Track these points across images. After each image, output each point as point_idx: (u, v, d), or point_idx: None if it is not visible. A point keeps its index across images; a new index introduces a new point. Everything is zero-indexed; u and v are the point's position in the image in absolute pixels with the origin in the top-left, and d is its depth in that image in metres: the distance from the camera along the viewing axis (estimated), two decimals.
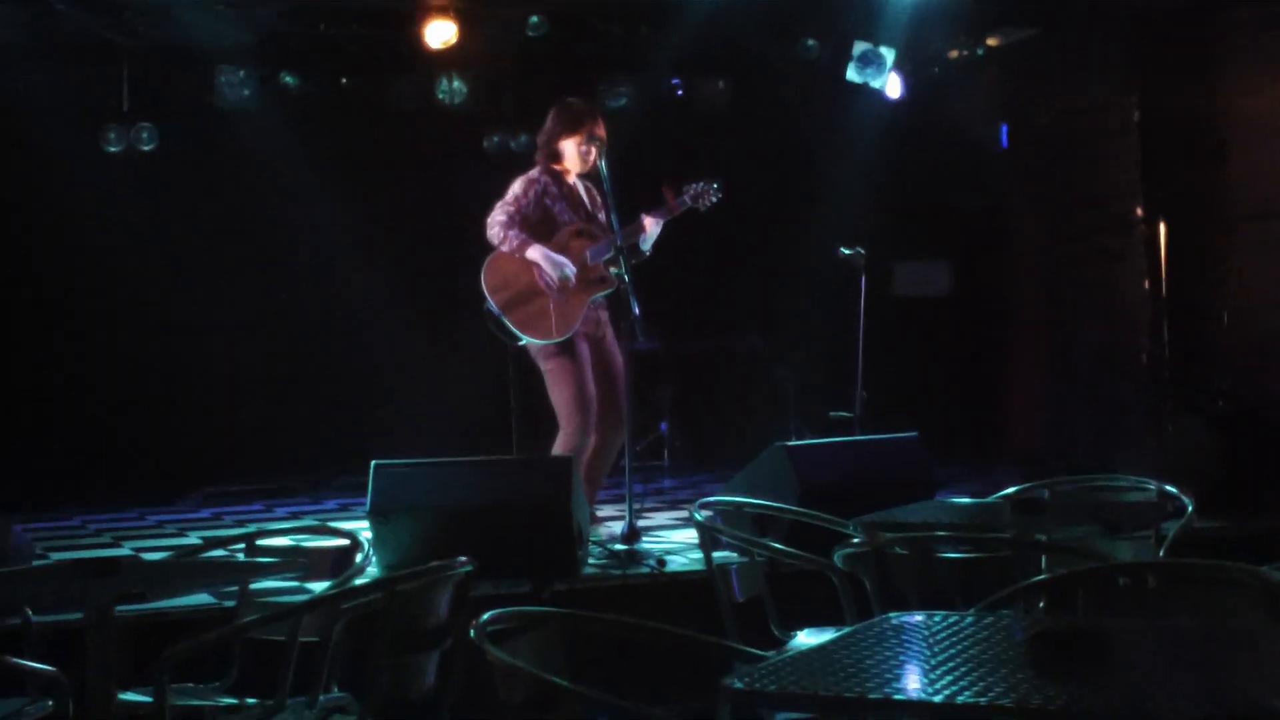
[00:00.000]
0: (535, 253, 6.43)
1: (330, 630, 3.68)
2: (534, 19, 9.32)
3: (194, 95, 9.52)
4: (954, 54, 10.31)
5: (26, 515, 7.42)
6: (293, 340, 10.08)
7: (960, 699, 2.26)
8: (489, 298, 6.46)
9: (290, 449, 9.76)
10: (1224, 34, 9.00)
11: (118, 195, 9.48)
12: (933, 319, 11.02)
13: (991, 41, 10.15)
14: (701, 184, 6.63)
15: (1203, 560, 3.40)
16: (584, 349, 6.52)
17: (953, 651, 2.53)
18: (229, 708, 3.95)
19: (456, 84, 9.82)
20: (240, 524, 7.95)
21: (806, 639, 4.30)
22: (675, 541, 6.66)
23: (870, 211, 10.09)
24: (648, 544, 6.36)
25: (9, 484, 8.08)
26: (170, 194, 9.69)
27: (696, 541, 5.81)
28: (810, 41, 9.93)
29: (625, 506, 6.29)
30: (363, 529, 5.25)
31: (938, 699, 2.27)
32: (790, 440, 6.78)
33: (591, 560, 5.98)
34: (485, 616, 2.84)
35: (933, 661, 2.49)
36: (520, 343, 6.50)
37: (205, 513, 8.63)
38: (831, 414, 8.55)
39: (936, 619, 2.78)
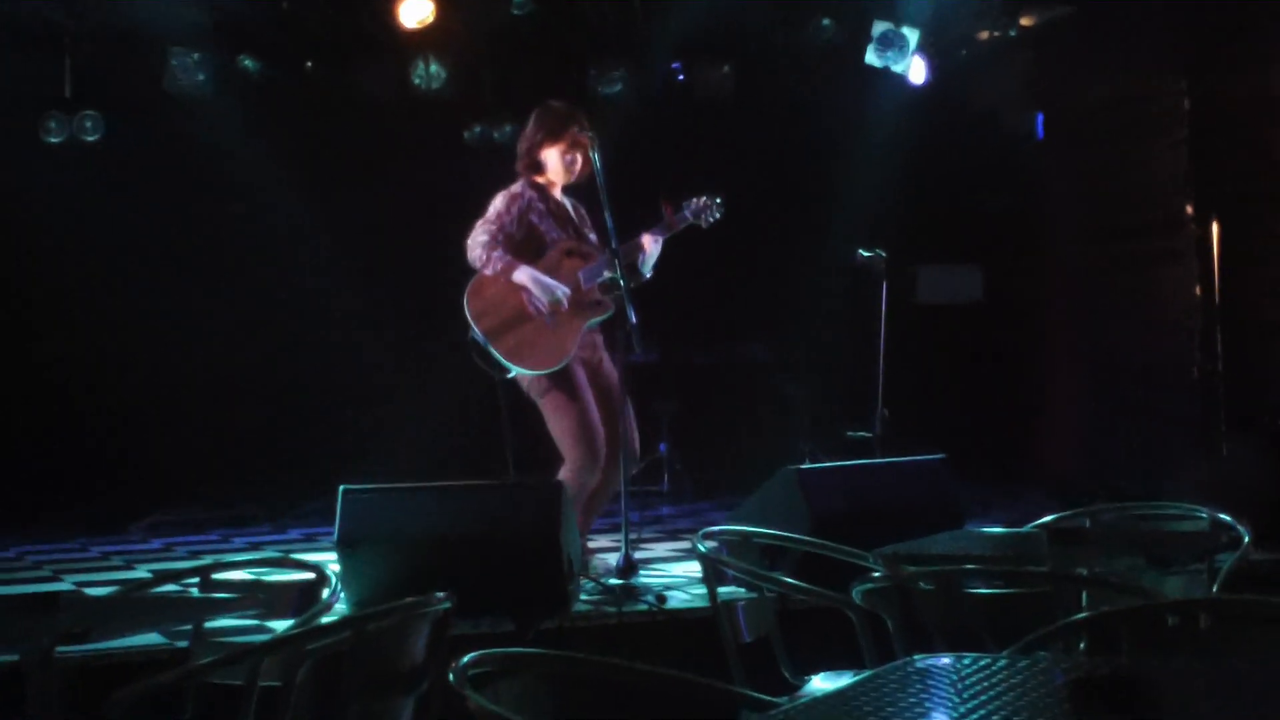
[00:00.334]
0: (523, 275, 6.41)
1: (294, 674, 3.67)
2: None
3: (144, 81, 9.53)
4: (984, 35, 10.34)
5: None
6: (253, 352, 10.09)
7: None
8: (473, 325, 6.42)
9: (250, 473, 9.77)
10: None
11: (59, 191, 9.50)
12: (960, 329, 11.03)
13: (1025, 21, 10.17)
14: (704, 198, 6.65)
15: (1261, 597, 3.39)
16: (581, 376, 6.49)
17: (984, 698, 2.53)
18: None
19: (434, 68, 9.83)
20: (194, 555, 7.94)
21: (822, 684, 4.29)
22: (676, 575, 6.66)
23: (891, 210, 10.11)
24: (645, 578, 6.36)
25: None
26: (117, 190, 9.70)
27: (699, 575, 5.83)
28: (825, 21, 9.96)
29: (620, 536, 6.29)
30: (330, 561, 5.24)
31: None
32: (802, 463, 6.79)
33: (583, 596, 5.97)
34: (465, 659, 2.83)
35: (962, 709, 2.49)
36: (509, 374, 6.48)
37: (155, 543, 8.62)
38: (848, 434, 8.57)
39: (966, 661, 2.78)
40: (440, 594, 3.55)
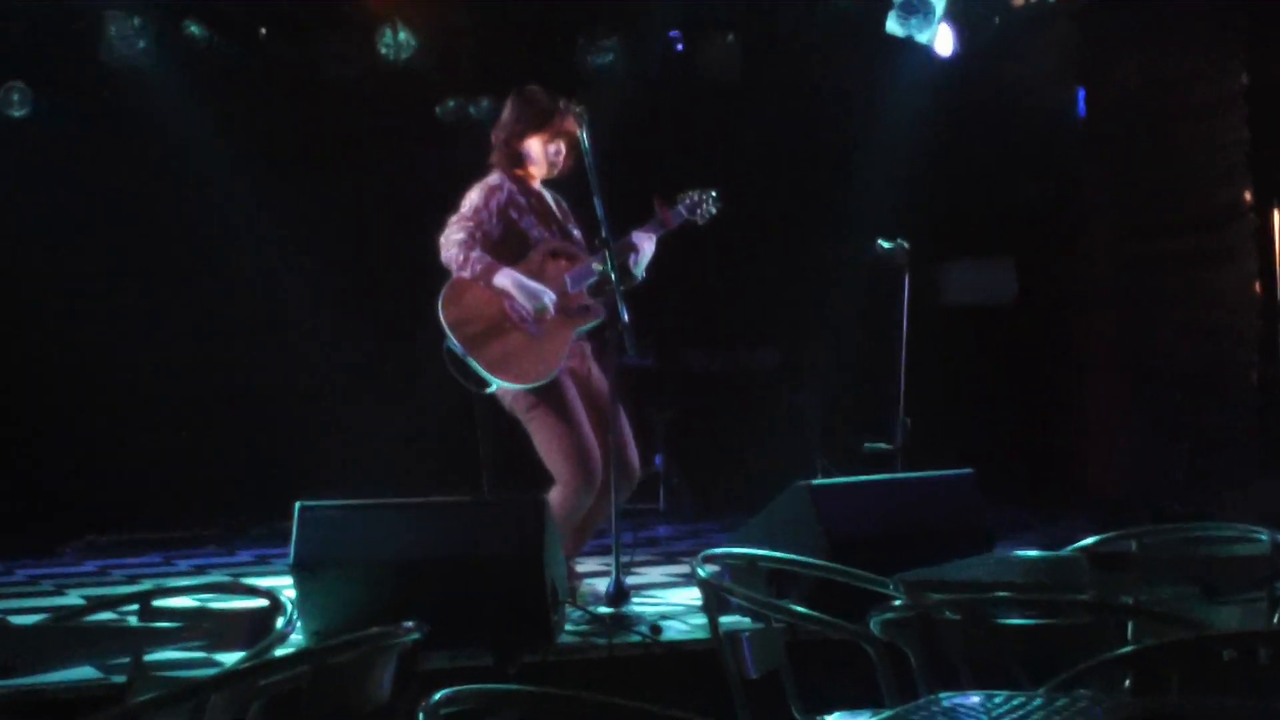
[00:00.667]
0: (505, 279, 6.40)
1: (244, 713, 3.67)
2: None
3: (77, 51, 9.52)
4: (1019, 1, 10.34)
5: None
6: (199, 353, 10.09)
7: None
8: (449, 334, 6.41)
9: (195, 487, 9.75)
10: None
11: None
12: (991, 331, 11.05)
13: None
14: (699, 193, 6.66)
15: None
16: (570, 389, 6.48)
17: None
18: None
19: (402, 36, 9.83)
20: (132, 580, 7.94)
21: None
22: (673, 603, 6.66)
23: (914, 199, 10.13)
24: (639, 606, 6.38)
25: None
26: (47, 172, 9.69)
27: (699, 603, 5.82)
28: None
29: (611, 560, 6.29)
30: (285, 586, 5.25)
31: None
32: (815, 478, 6.79)
33: (569, 626, 5.98)
34: (438, 696, 2.84)
35: None
36: (490, 388, 6.46)
37: (89, 565, 8.61)
38: (866, 446, 8.56)
39: (997, 700, 2.78)
40: (409, 624, 3.55)
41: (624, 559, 6.34)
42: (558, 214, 6.74)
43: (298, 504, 5.79)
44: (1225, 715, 2.65)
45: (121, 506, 9.54)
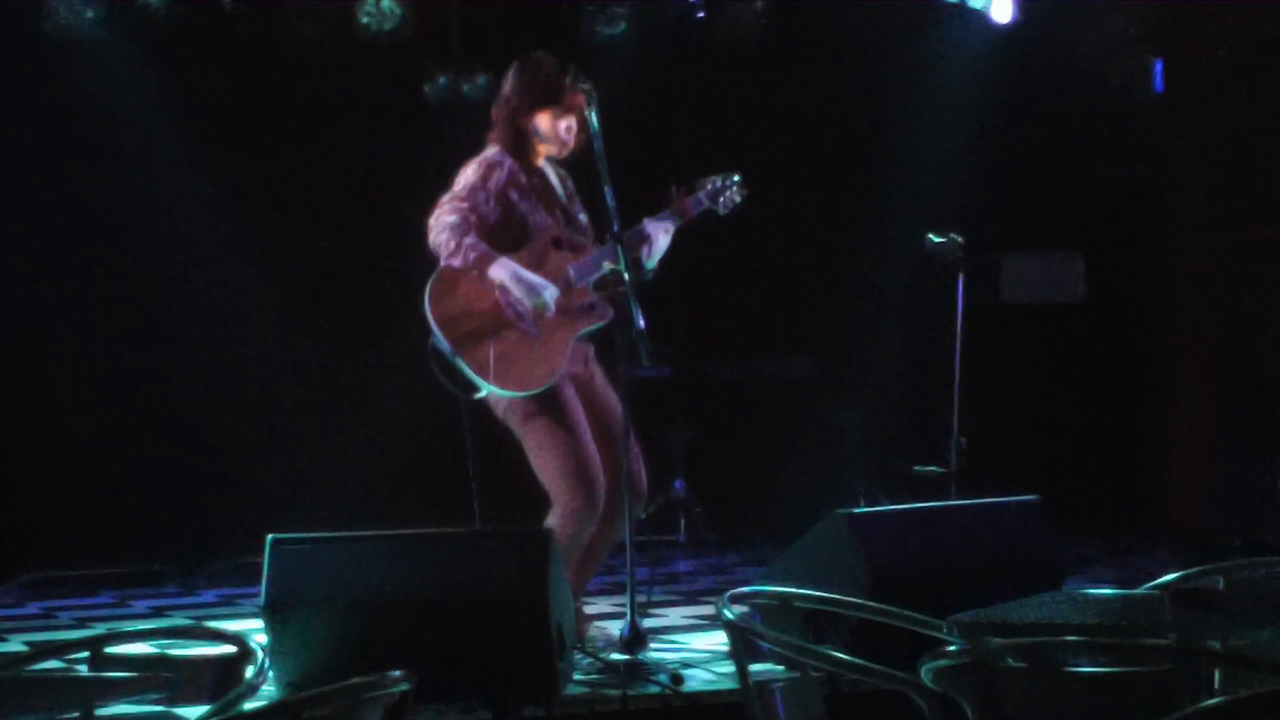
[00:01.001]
0: (501, 270, 6.35)
1: None
2: None
3: (17, 21, 9.55)
4: None
5: None
6: (154, 366, 10.07)
7: None
8: (436, 332, 6.36)
9: (151, 520, 9.75)
10: None
11: None
12: (1057, 336, 11.05)
13: None
14: (721, 178, 6.63)
15: None
16: (571, 398, 6.44)
17: None
18: None
19: (386, 4, 9.86)
20: (82, 624, 7.94)
21: None
22: (696, 650, 6.65)
23: (969, 186, 10.14)
24: (657, 652, 6.37)
25: None
26: None
27: (725, 649, 5.83)
28: None
29: (625, 599, 6.29)
30: (255, 630, 5.25)
31: None
32: (856, 506, 6.80)
33: (578, 675, 5.98)
34: None
35: None
36: (479, 394, 6.42)
37: (31, 607, 8.63)
38: (915, 468, 8.58)
39: None
40: (396, 672, 3.56)
41: (640, 598, 6.33)
42: (562, 195, 6.69)
43: (269, 538, 5.77)
44: None
45: (69, 541, 9.55)
